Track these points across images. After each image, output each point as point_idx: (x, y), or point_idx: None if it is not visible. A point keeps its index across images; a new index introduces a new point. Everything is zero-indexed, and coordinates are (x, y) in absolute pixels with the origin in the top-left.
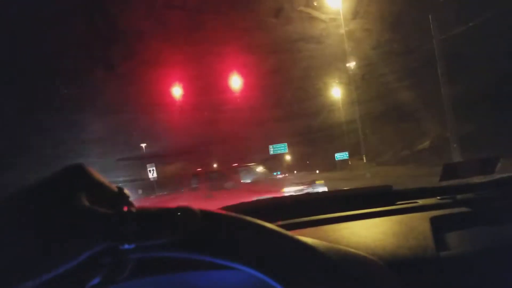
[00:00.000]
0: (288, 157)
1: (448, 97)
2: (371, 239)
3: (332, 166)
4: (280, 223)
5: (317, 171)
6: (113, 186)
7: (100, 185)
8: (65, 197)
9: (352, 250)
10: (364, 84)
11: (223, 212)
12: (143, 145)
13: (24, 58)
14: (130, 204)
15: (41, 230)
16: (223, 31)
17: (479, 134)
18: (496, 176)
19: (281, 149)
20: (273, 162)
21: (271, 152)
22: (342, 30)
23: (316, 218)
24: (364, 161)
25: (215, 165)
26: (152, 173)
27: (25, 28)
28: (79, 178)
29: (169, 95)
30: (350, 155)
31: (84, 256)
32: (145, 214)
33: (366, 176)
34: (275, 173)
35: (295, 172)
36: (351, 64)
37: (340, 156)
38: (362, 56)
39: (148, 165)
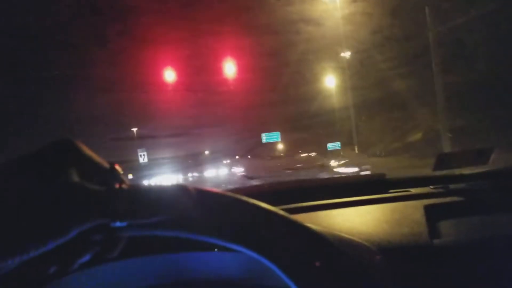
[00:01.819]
0: (280, 146)
1: (441, 88)
2: (364, 226)
3: (324, 155)
4: None
5: None
6: (105, 162)
7: (91, 161)
8: (53, 172)
9: (346, 235)
10: (360, 72)
11: (219, 191)
12: (134, 129)
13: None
14: (122, 181)
15: (29, 205)
16: (218, 10)
17: (474, 127)
18: (489, 167)
19: (274, 138)
20: (263, 150)
21: (264, 141)
22: (339, 14)
23: (308, 204)
24: (356, 151)
25: (207, 152)
26: (143, 158)
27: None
28: (68, 153)
29: (163, 76)
30: (342, 146)
31: (74, 233)
32: (138, 192)
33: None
34: None
35: None
36: (346, 54)
37: (332, 146)
38: (359, 42)
39: (139, 150)
